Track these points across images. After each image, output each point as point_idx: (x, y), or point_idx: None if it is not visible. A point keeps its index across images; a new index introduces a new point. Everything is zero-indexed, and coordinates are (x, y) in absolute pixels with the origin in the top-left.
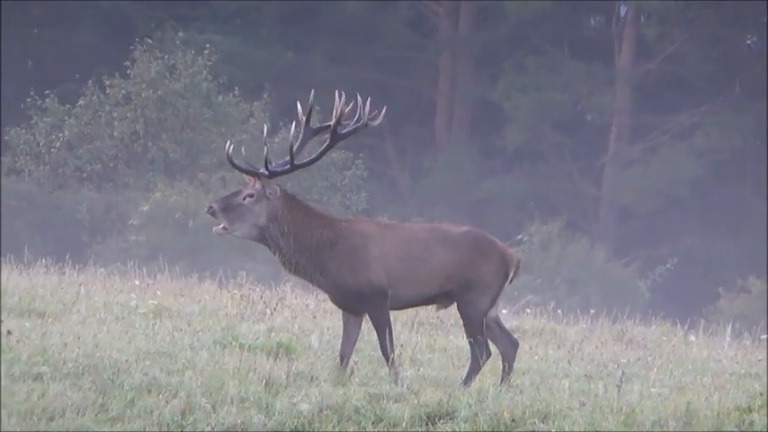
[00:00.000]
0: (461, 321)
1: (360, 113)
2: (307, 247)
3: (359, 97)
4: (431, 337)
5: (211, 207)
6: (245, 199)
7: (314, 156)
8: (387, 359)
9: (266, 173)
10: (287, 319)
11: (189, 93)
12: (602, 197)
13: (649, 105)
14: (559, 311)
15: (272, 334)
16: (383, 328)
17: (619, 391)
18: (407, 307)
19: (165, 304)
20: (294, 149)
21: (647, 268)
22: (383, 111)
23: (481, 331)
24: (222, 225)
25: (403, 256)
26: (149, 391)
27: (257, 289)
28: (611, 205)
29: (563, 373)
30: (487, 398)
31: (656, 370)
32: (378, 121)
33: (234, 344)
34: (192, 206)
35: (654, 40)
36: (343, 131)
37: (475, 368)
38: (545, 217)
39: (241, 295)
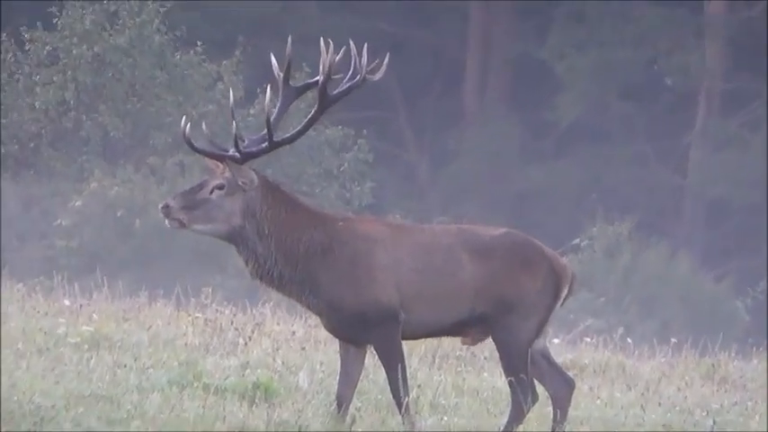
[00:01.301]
0: (498, 354)
1: (355, 65)
2: (292, 254)
3: (352, 44)
4: (458, 376)
5: (167, 206)
6: (212, 192)
7: (299, 127)
8: (399, 405)
9: (237, 155)
10: (266, 351)
11: (135, 49)
12: (686, 188)
13: (749, 65)
14: (629, 341)
15: (247, 371)
16: (394, 364)
17: None
18: (427, 336)
19: (105, 332)
20: (272, 120)
21: (746, 283)
22: (386, 60)
23: (525, 368)
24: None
25: (420, 267)
26: None
27: (227, 311)
28: (699, 199)
29: (634, 422)
30: None
31: (758, 418)
32: (380, 75)
33: (196, 384)
34: (140, 201)
35: None
36: (336, 91)
37: (517, 416)
38: (610, 215)
39: (205, 320)
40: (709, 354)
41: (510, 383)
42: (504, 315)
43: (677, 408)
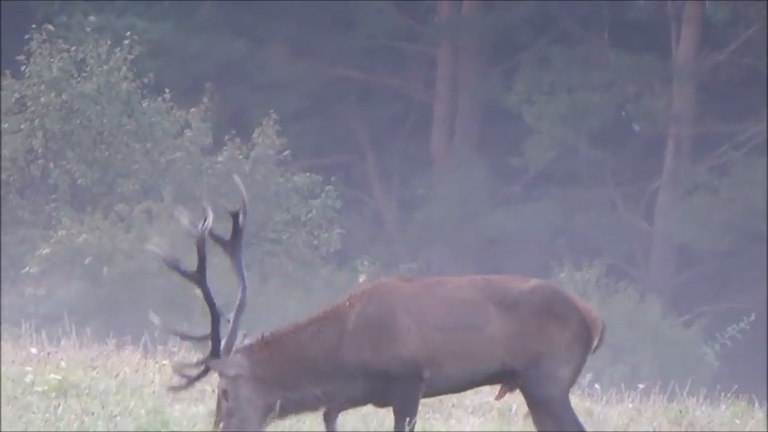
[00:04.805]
0: (529, 410)
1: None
2: (317, 371)
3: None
4: (425, 422)
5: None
6: (227, 399)
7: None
8: None
9: (211, 357)
10: None
11: (103, 97)
12: (654, 233)
13: (718, 110)
14: (597, 386)
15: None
16: (403, 416)
17: None
18: (454, 392)
19: (72, 379)
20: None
21: (714, 328)
22: (209, 221)
23: (568, 418)
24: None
25: (444, 323)
26: None
27: (194, 358)
28: (668, 244)
29: None
30: None
31: None
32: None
33: None
34: (108, 248)
35: (724, 24)
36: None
37: None
38: (579, 260)
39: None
40: (677, 399)
41: None
42: (534, 369)
43: None
